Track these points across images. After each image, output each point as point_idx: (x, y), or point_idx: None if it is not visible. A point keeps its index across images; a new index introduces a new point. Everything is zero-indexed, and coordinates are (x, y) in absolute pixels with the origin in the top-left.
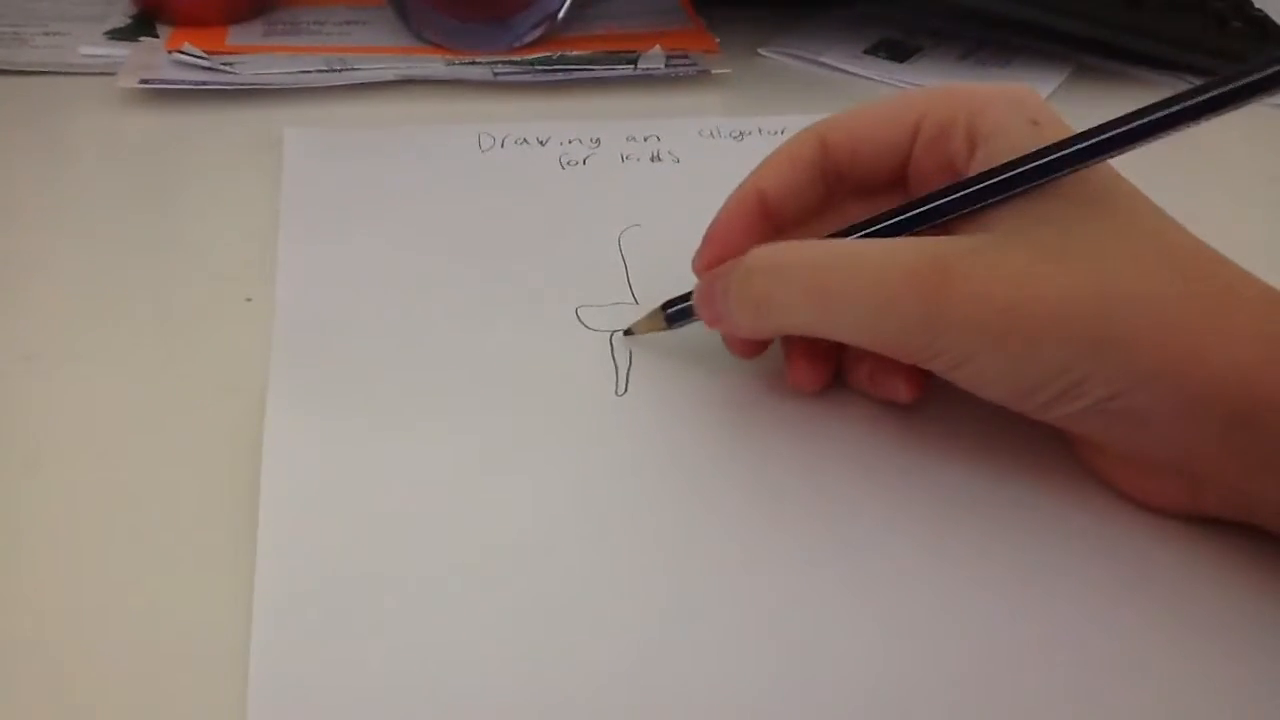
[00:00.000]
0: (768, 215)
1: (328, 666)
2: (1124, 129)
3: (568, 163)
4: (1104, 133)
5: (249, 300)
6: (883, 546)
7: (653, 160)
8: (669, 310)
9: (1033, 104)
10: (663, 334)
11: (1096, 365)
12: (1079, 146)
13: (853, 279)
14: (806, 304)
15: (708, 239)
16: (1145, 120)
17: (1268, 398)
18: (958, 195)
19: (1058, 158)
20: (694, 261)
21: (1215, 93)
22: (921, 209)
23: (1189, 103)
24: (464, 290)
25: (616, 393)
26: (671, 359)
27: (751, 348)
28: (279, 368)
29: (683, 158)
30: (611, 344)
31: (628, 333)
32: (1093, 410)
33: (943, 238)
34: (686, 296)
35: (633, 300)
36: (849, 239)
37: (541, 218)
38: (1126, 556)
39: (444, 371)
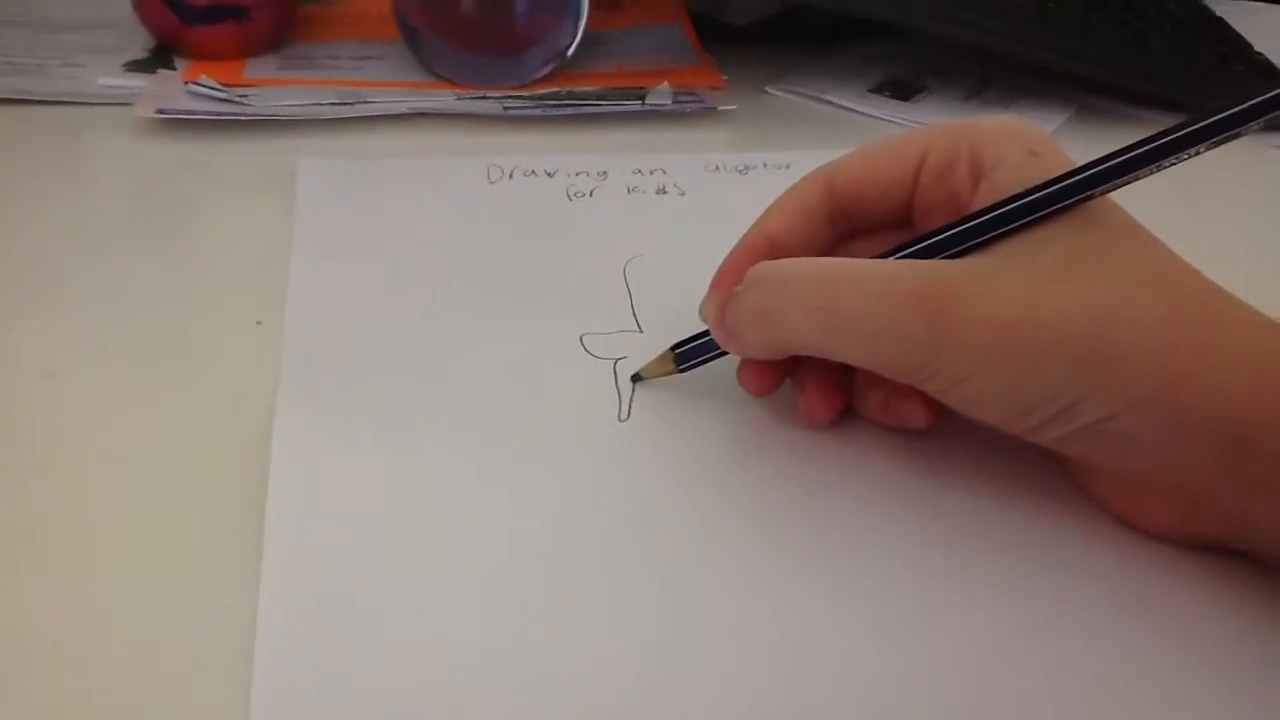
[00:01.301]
0: (776, 258)
1: (330, 679)
2: (1125, 158)
3: (575, 194)
4: (1105, 163)
5: (260, 323)
6: (884, 571)
7: (659, 193)
8: (678, 351)
9: (1031, 136)
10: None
11: (1093, 386)
12: (1080, 178)
13: (856, 296)
14: (809, 319)
15: (715, 282)
16: (1145, 150)
17: (1260, 422)
18: (967, 227)
19: (1061, 189)
20: (701, 308)
21: (1209, 121)
22: (931, 241)
23: (1184, 132)
24: (470, 316)
25: (619, 419)
26: (674, 388)
27: (765, 383)
28: (288, 388)
29: (688, 191)
30: (615, 371)
31: (636, 378)
32: (1086, 432)
33: (944, 261)
34: (696, 337)
35: (637, 329)
36: (853, 260)
37: (548, 247)
38: (1123, 581)
39: (449, 395)
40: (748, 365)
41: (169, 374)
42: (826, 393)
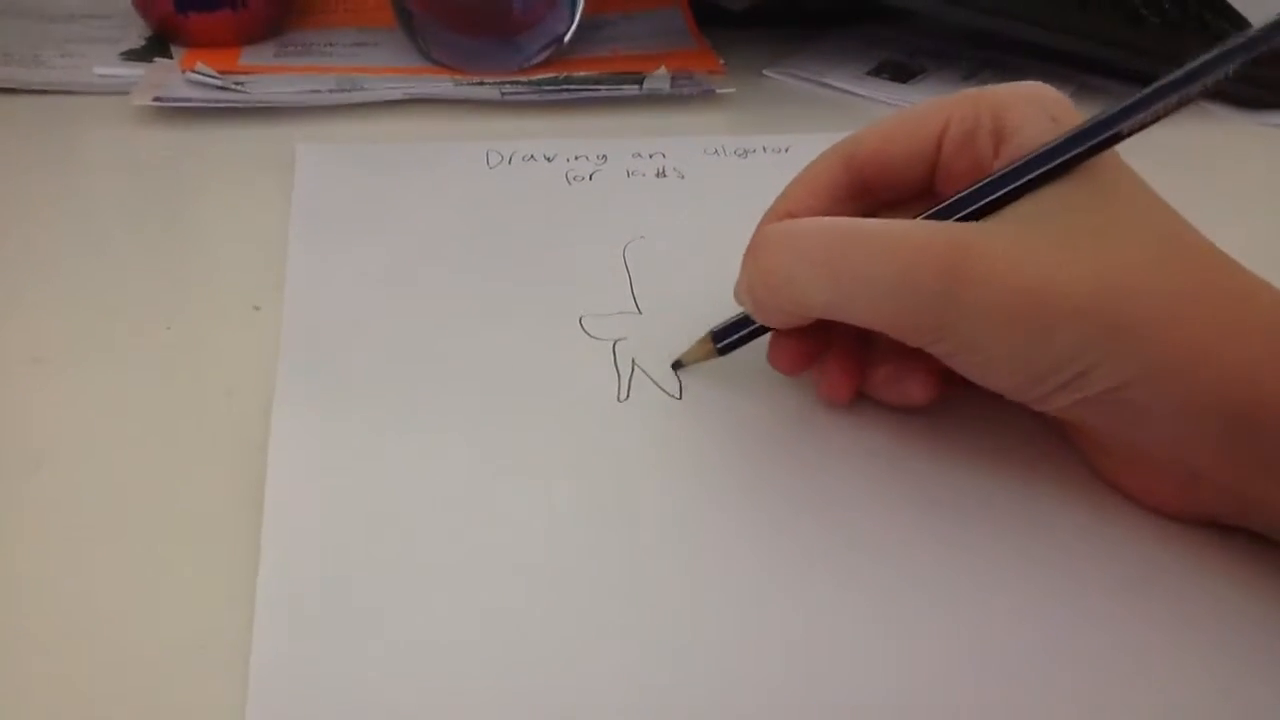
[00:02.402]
0: None
1: (328, 672)
2: (1130, 103)
3: (574, 178)
4: (1112, 112)
5: (257, 309)
6: (888, 550)
7: (658, 176)
8: (715, 332)
9: (1052, 100)
10: (658, 346)
11: (1106, 354)
12: (1088, 128)
13: (867, 251)
14: (817, 276)
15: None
16: (1149, 92)
17: (1270, 400)
18: (979, 187)
19: (1068, 141)
20: (736, 287)
21: (1210, 56)
22: (945, 204)
23: (1187, 69)
24: (469, 299)
25: (618, 399)
26: (671, 370)
27: (795, 362)
28: (286, 372)
29: (688, 174)
30: (614, 351)
31: (677, 365)
32: (1096, 401)
33: (966, 224)
34: (734, 320)
35: (636, 310)
36: (863, 219)
37: (547, 230)
38: (1127, 556)
39: (448, 378)
40: (777, 344)
41: (167, 360)
42: (848, 374)
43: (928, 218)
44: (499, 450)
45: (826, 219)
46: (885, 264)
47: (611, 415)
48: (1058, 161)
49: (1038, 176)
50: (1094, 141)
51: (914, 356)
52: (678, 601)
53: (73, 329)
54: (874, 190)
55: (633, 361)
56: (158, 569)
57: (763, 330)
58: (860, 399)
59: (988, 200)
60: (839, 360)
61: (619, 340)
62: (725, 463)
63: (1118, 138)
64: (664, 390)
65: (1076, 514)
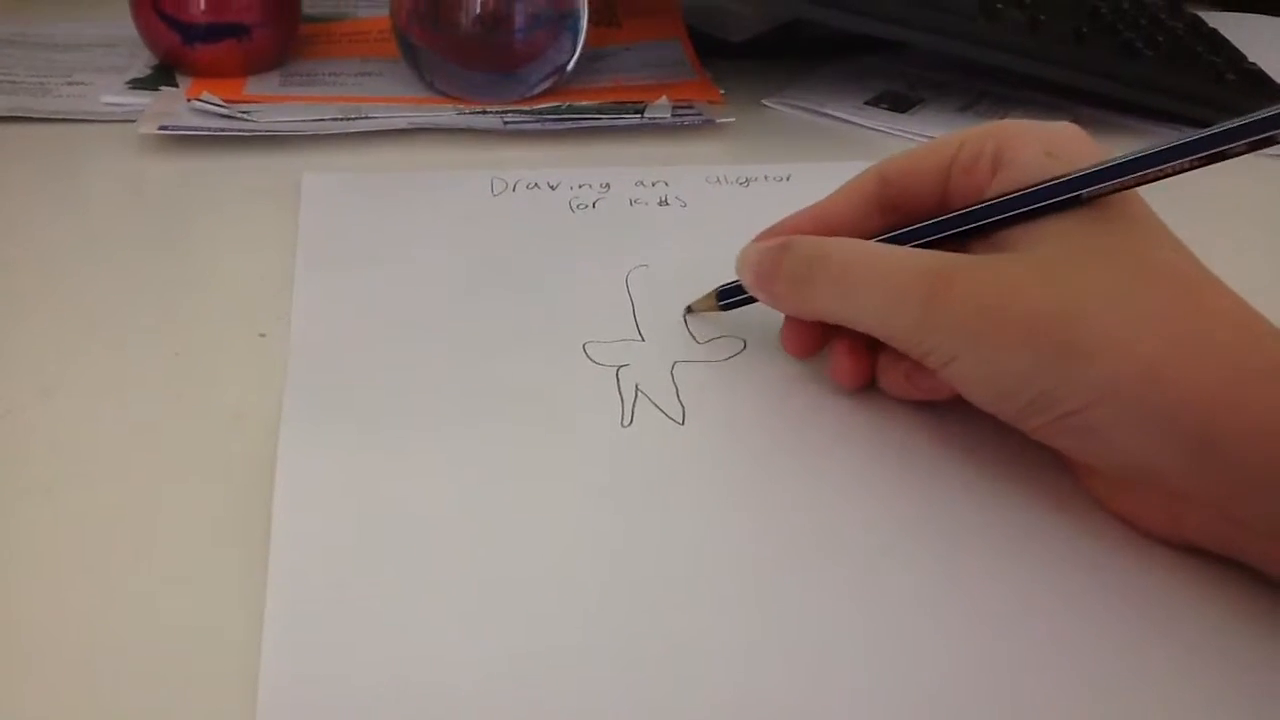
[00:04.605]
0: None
1: (336, 695)
2: (1107, 166)
3: (578, 206)
4: (1088, 170)
5: (262, 336)
6: (891, 573)
7: (661, 204)
8: (721, 290)
9: (1059, 138)
10: (668, 373)
11: (1062, 377)
12: (1051, 184)
13: (870, 274)
14: (833, 290)
15: (759, 236)
16: (1130, 160)
17: (1229, 423)
18: (940, 220)
19: (1032, 192)
20: (740, 255)
21: (1211, 133)
22: (905, 231)
23: (1183, 141)
24: (474, 325)
25: (622, 424)
26: (675, 395)
27: (803, 347)
28: (293, 397)
29: (690, 203)
30: (618, 378)
31: (689, 310)
32: (1064, 423)
33: (963, 254)
34: (737, 284)
35: (639, 337)
36: (877, 243)
37: (551, 257)
38: (1121, 578)
39: (453, 403)
40: (788, 329)
41: (174, 387)
42: (853, 359)
43: (904, 235)
44: (503, 474)
45: (848, 241)
46: (881, 287)
47: (615, 440)
48: (1020, 207)
49: (1005, 209)
50: (1051, 201)
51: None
52: (681, 624)
53: (79, 359)
54: (900, 208)
55: (636, 387)
56: (167, 594)
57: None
58: (865, 426)
59: (960, 225)
60: (846, 347)
61: (622, 366)
62: (727, 487)
63: (1077, 201)
64: (667, 416)
65: (1080, 538)
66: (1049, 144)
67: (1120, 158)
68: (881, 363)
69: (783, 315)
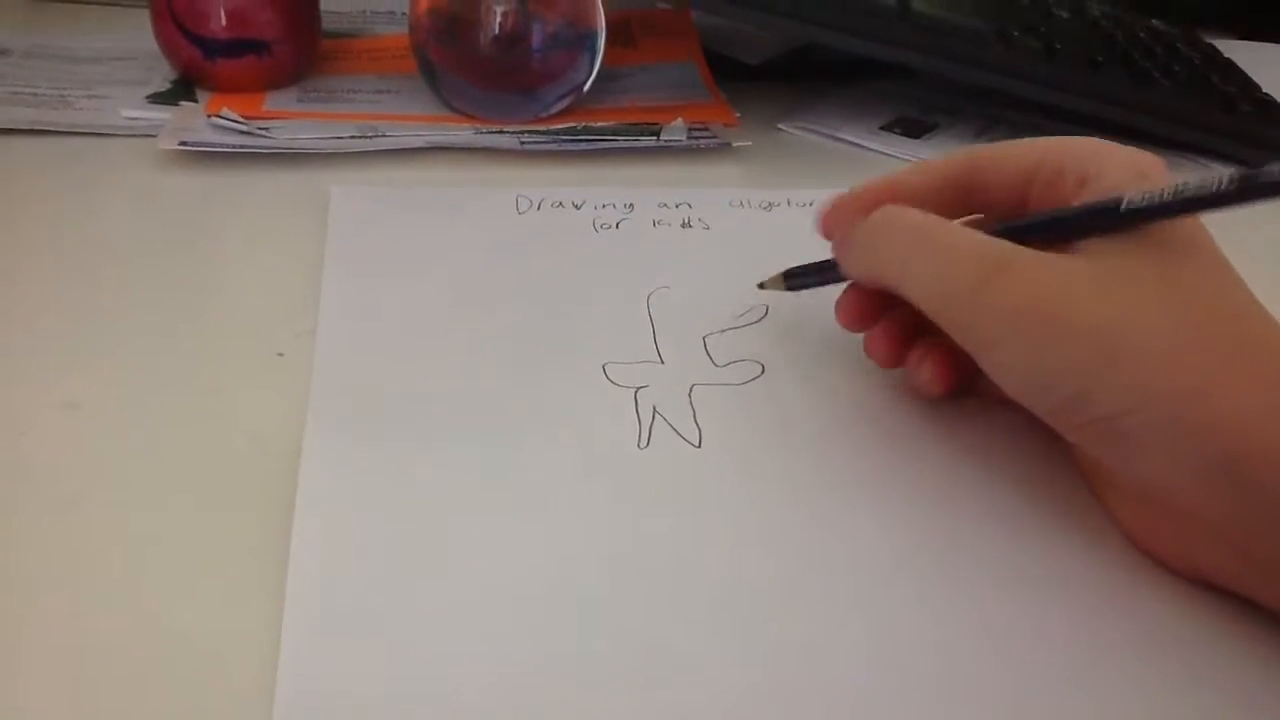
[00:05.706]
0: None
1: (352, 708)
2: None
3: (601, 226)
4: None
5: (281, 355)
6: (902, 597)
7: (683, 226)
8: (789, 272)
9: (1147, 161)
10: (686, 395)
11: (1101, 380)
12: (1135, 208)
13: (935, 244)
14: (899, 257)
15: (839, 202)
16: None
17: (1260, 453)
18: (1032, 222)
19: (1099, 210)
20: (824, 215)
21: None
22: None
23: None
24: (496, 344)
25: (639, 445)
26: (690, 417)
27: (857, 317)
28: (316, 413)
29: (712, 225)
30: (636, 399)
31: (762, 286)
32: (1096, 427)
33: (1026, 248)
34: (804, 267)
35: (658, 359)
36: (948, 222)
37: (574, 277)
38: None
39: (473, 420)
40: (845, 298)
41: (196, 402)
42: (892, 339)
43: (997, 232)
44: (521, 493)
45: (921, 214)
46: (943, 258)
47: (632, 461)
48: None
49: (1083, 220)
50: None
51: (947, 349)
52: (696, 645)
53: (102, 375)
54: (977, 198)
55: (654, 409)
56: (188, 609)
57: (826, 281)
58: (881, 453)
59: (1033, 228)
60: (888, 327)
61: (641, 388)
62: (743, 509)
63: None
64: (684, 438)
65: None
66: (1139, 166)
67: (1218, 188)
68: (916, 348)
69: (805, 334)
